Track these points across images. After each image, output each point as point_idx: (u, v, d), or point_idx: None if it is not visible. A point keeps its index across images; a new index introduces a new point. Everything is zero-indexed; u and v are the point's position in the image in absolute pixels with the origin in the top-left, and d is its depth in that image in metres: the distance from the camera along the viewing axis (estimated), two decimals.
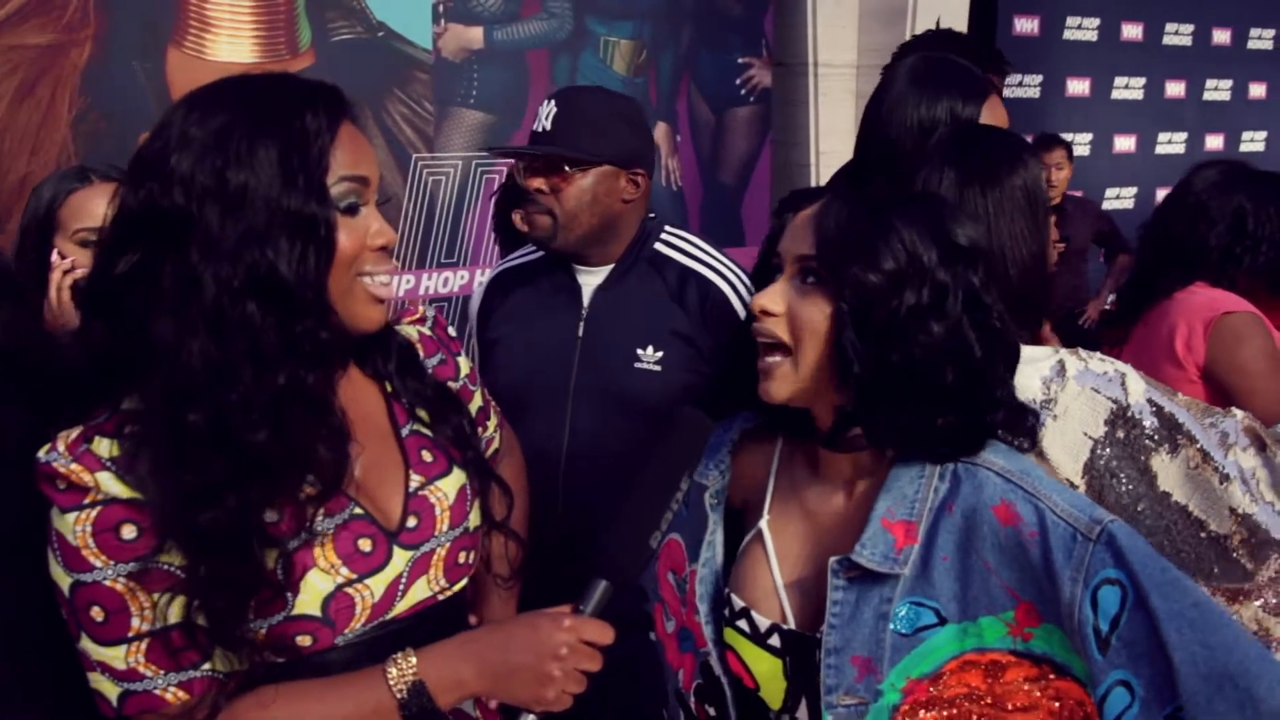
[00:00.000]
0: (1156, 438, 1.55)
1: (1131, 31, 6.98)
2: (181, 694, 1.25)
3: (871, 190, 1.41)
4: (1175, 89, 7.30)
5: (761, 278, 1.45)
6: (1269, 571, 1.55)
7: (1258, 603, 1.55)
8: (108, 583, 1.22)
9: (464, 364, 1.62)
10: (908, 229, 1.32)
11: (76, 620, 1.24)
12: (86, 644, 1.24)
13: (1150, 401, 1.58)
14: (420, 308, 1.62)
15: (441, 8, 4.06)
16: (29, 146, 3.09)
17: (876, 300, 1.30)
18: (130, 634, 1.23)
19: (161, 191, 1.23)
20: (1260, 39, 7.80)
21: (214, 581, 1.21)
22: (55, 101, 3.15)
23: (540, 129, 2.20)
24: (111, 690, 1.25)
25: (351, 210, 1.31)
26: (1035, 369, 1.58)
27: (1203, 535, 1.53)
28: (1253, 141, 8.04)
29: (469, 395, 1.61)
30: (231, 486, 1.21)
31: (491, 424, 1.72)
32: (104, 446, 1.23)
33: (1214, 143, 7.66)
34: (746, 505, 1.51)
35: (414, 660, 1.30)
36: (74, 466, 1.21)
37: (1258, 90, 7.88)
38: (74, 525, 1.21)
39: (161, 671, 1.24)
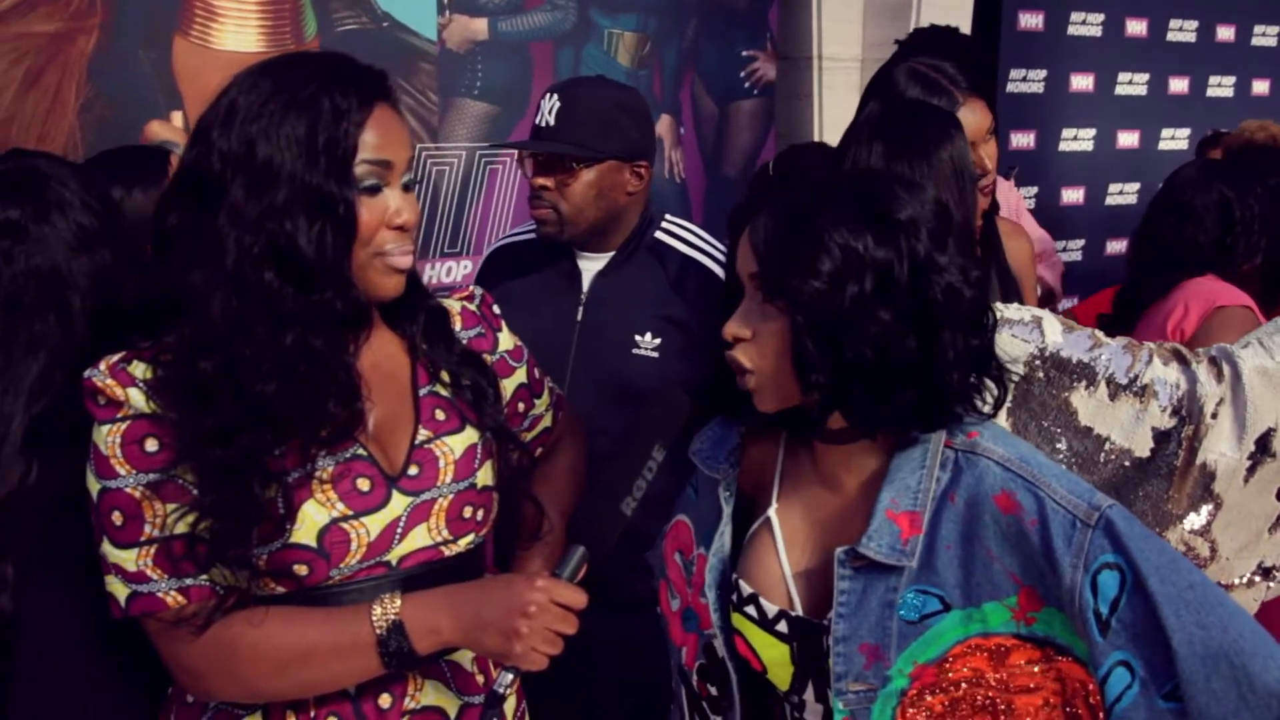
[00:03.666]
0: (1074, 375, 1.58)
1: (1135, 27, 6.96)
2: (180, 598, 1.33)
3: (796, 192, 1.41)
4: (1179, 85, 7.29)
5: (731, 297, 1.46)
6: (1189, 484, 1.56)
7: (1186, 525, 1.58)
8: (128, 489, 1.32)
9: (505, 340, 1.67)
10: (836, 225, 1.32)
11: (100, 524, 1.34)
12: (106, 547, 1.34)
13: (1067, 341, 1.61)
14: (471, 287, 1.69)
15: None
16: (36, 134, 3.10)
17: (821, 304, 1.31)
18: (142, 538, 1.32)
19: (203, 155, 1.32)
20: (1264, 35, 7.78)
21: (217, 509, 1.30)
22: (62, 90, 3.15)
23: (544, 124, 2.19)
24: (121, 591, 1.34)
25: (373, 190, 1.36)
26: None
27: (1127, 464, 1.56)
28: None
29: (507, 370, 1.66)
30: (242, 430, 1.29)
31: (541, 403, 1.75)
32: (139, 369, 1.33)
33: None
34: (757, 492, 1.53)
35: (399, 602, 1.36)
36: (109, 381, 1.32)
37: (1260, 87, 7.86)
38: (106, 436, 1.32)
39: (165, 576, 1.33)
